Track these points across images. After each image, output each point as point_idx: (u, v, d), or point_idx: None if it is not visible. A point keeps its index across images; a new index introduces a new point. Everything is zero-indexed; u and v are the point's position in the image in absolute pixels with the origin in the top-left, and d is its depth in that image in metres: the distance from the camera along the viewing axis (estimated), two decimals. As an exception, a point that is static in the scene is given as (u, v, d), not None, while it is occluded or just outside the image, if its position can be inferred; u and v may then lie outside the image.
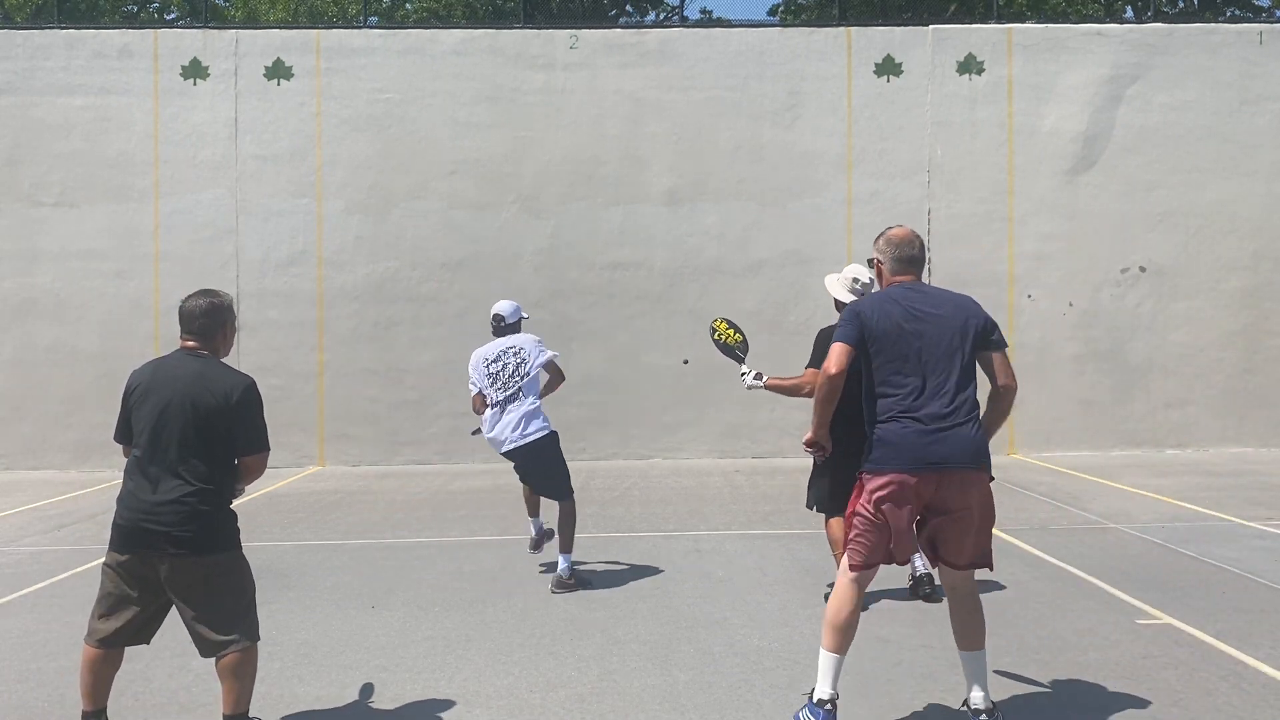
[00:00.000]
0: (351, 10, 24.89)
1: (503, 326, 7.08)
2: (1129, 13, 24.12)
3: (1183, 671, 4.93)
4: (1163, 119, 14.03)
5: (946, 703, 4.57)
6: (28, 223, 13.76)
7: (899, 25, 14.68)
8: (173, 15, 26.34)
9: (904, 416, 4.09)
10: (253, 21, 24.05)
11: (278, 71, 13.91)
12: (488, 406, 6.84)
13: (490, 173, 13.93)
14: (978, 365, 4.20)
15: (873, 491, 4.11)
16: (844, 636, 4.12)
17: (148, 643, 4.21)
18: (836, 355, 4.15)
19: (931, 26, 14.27)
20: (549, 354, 6.91)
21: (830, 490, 5.88)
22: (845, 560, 4.20)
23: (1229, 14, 23.27)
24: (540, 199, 13.95)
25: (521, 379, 6.78)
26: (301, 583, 7.03)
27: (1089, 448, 13.76)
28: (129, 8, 26.25)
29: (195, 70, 13.88)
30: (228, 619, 4.01)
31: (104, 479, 12.70)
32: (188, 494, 3.96)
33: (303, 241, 13.85)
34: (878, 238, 4.43)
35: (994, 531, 8.56)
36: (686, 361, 13.57)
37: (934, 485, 4.07)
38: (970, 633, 4.21)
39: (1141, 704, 4.53)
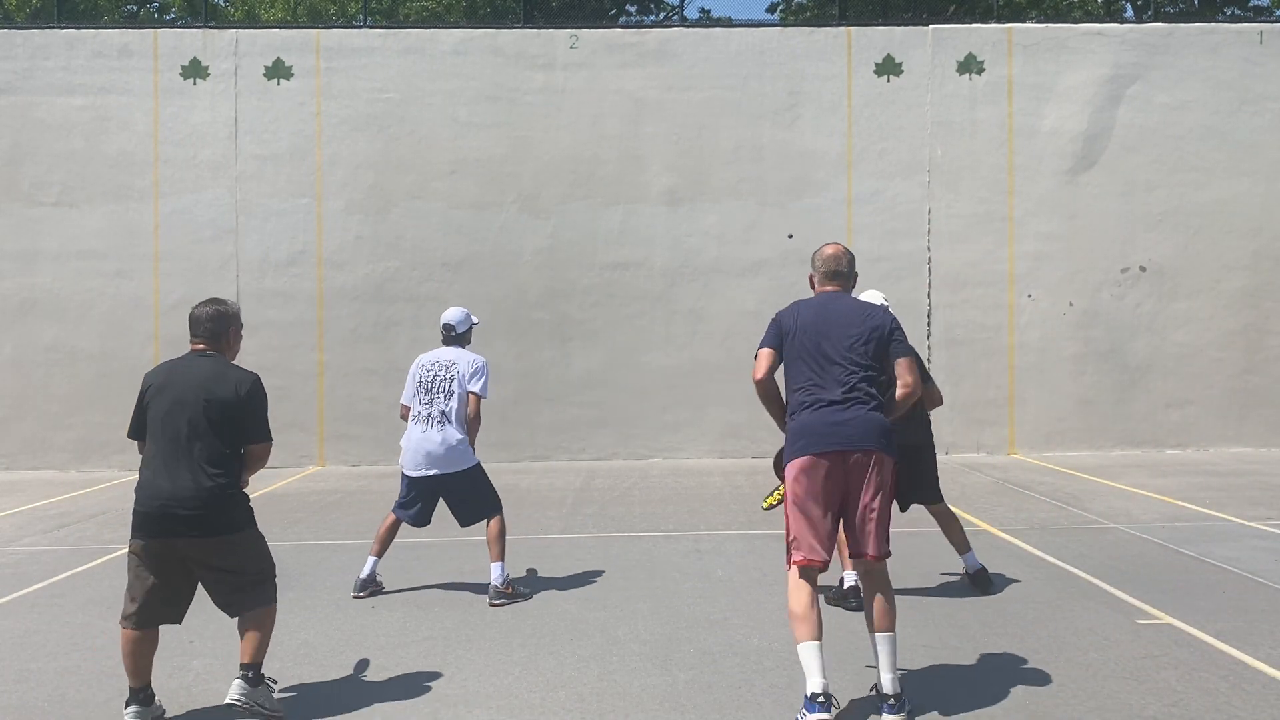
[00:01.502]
0: (351, 10, 24.90)
1: (452, 336, 6.76)
2: (1129, 12, 24.12)
3: (1183, 671, 4.93)
4: (1163, 119, 14.03)
5: (946, 703, 4.57)
6: (28, 223, 13.76)
7: (899, 25, 14.68)
8: (172, 15, 26.34)
9: (809, 407, 4.44)
10: (252, 21, 24.04)
11: (278, 71, 13.91)
12: (410, 418, 6.59)
13: (490, 173, 13.93)
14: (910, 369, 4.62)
15: (792, 480, 4.44)
16: (808, 624, 4.30)
17: (179, 622, 4.57)
18: (760, 361, 4.58)
19: (931, 26, 14.27)
20: (478, 385, 6.53)
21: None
22: (789, 554, 4.47)
23: (1229, 14, 23.28)
24: (540, 199, 13.95)
25: (445, 398, 6.47)
26: (301, 583, 7.03)
27: (1089, 448, 13.77)
28: (129, 8, 26.25)
29: (195, 70, 13.89)
30: (252, 587, 4.46)
31: (104, 479, 12.71)
32: (205, 481, 4.33)
33: (303, 241, 13.85)
34: (814, 254, 4.92)
35: (994, 531, 8.60)
36: (791, 235, 13.46)
37: (842, 467, 4.37)
38: (880, 614, 4.37)
39: (1141, 704, 4.53)
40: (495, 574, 6.47)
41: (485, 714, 4.55)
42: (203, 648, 5.58)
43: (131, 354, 13.66)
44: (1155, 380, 13.94)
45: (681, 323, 13.91)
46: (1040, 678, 4.89)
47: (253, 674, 4.41)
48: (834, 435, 4.35)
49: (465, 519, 6.69)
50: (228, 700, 4.41)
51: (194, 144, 13.86)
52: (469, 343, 6.87)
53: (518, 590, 6.58)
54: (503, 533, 6.62)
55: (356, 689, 4.89)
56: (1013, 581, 6.76)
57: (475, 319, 7.01)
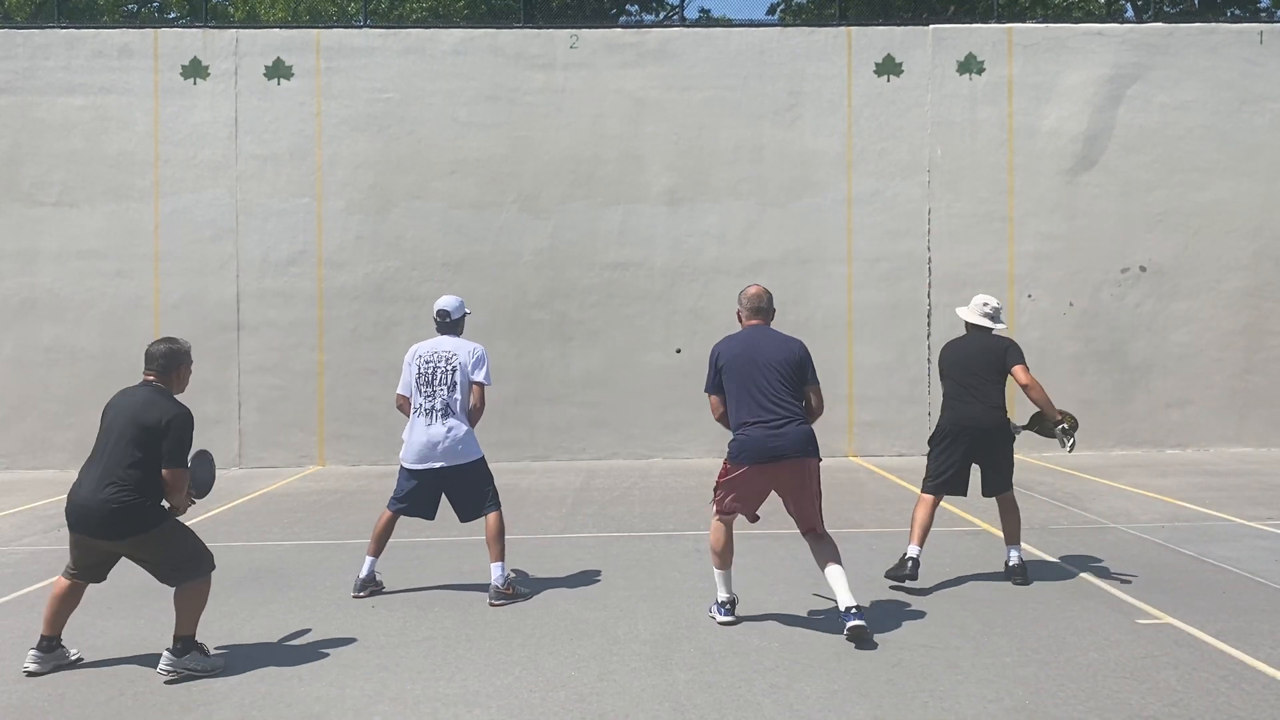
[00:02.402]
0: (351, 10, 24.90)
1: (447, 323, 6.71)
2: (1129, 12, 24.13)
3: (1183, 671, 4.93)
4: (1163, 119, 14.03)
5: (946, 702, 4.57)
6: (28, 223, 13.76)
7: (899, 25, 14.68)
8: (172, 15, 26.34)
9: (753, 425, 5.59)
10: (253, 21, 24.04)
11: (278, 71, 13.91)
12: (412, 411, 6.57)
13: (490, 173, 13.93)
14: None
15: (732, 476, 5.69)
16: (722, 557, 5.88)
17: (102, 581, 5.28)
18: (713, 404, 5.85)
19: (931, 26, 14.27)
20: (481, 374, 6.55)
21: (951, 473, 6.70)
22: (715, 508, 5.85)
23: (1229, 14, 23.28)
24: (540, 199, 13.95)
25: (449, 390, 6.48)
26: (301, 583, 7.03)
27: (1089, 448, 13.76)
28: (129, 7, 26.25)
29: (195, 70, 13.89)
30: (177, 568, 5.06)
31: (104, 479, 12.70)
32: (117, 492, 4.92)
33: (303, 241, 13.85)
34: (740, 294, 6.02)
35: (994, 531, 8.61)
36: (679, 350, 13.56)
37: (773, 471, 5.59)
38: (824, 553, 5.65)
39: (1141, 704, 4.53)
40: (496, 574, 6.45)
41: (485, 714, 4.55)
42: (203, 648, 5.58)
43: (131, 354, 13.65)
44: (1155, 380, 13.95)
45: (681, 323, 13.91)
46: (1040, 678, 4.89)
47: (181, 645, 5.01)
48: (772, 449, 5.54)
49: (467, 514, 6.65)
50: (157, 671, 5.00)
51: (194, 144, 13.86)
52: (462, 331, 6.84)
53: (518, 590, 6.57)
54: (502, 531, 6.60)
55: (357, 689, 4.89)
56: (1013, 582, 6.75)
57: (468, 309, 7.00)
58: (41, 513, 10.25)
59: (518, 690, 4.82)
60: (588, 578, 7.07)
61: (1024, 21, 16.17)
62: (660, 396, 13.83)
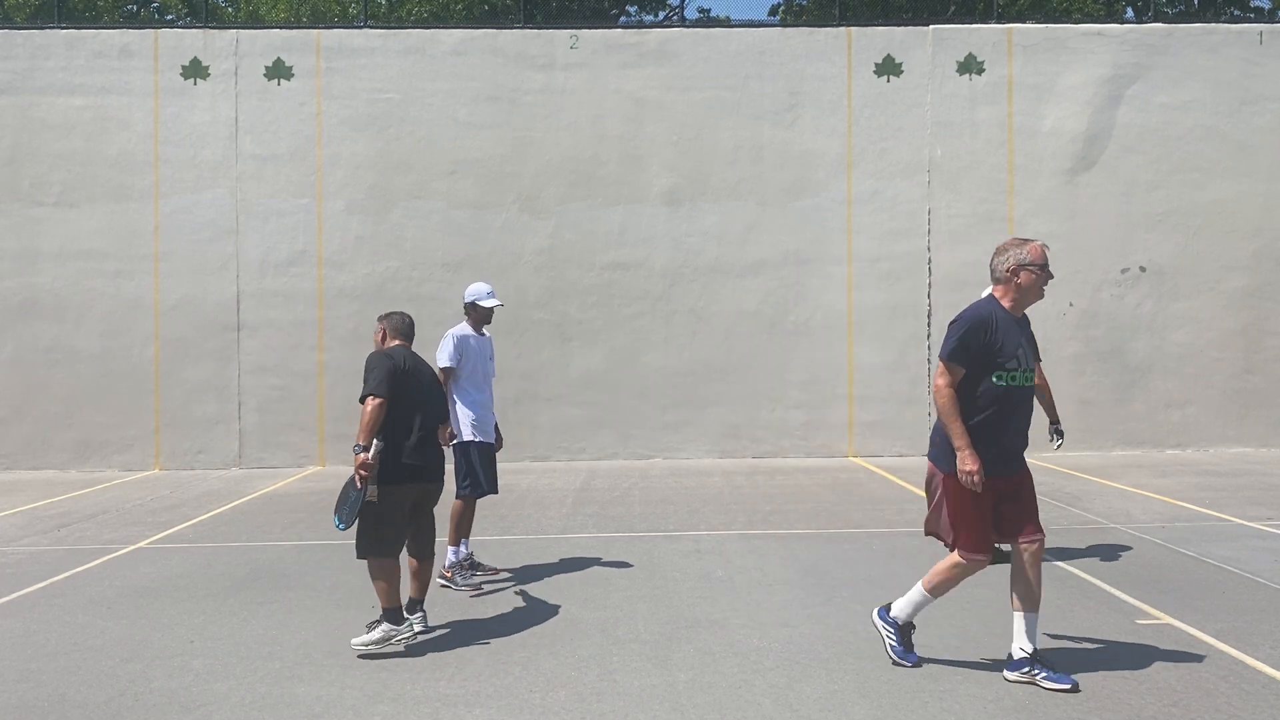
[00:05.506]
0: (352, 10, 24.91)
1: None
2: (1129, 13, 24.13)
3: (1183, 671, 4.93)
4: (1163, 119, 14.03)
5: (946, 702, 4.57)
6: (28, 223, 13.76)
7: (899, 25, 14.68)
8: (171, 16, 26.35)
9: None
10: (253, 21, 24.05)
11: (278, 71, 13.91)
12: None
13: (490, 173, 13.93)
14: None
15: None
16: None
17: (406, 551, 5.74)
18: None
19: (931, 26, 14.27)
20: (439, 358, 7.01)
21: None
22: None
23: (1229, 14, 23.28)
24: (540, 199, 13.95)
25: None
26: (301, 583, 7.03)
27: (1089, 448, 13.76)
28: (129, 8, 26.26)
29: (195, 70, 13.88)
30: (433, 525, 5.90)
31: (104, 479, 12.70)
32: (436, 440, 5.82)
33: (303, 241, 13.85)
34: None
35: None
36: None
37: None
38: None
39: (1141, 704, 4.53)
40: (449, 555, 6.94)
41: (485, 714, 4.55)
42: (203, 648, 5.58)
43: (131, 354, 13.67)
44: (1155, 380, 13.94)
45: (681, 323, 13.91)
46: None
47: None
48: None
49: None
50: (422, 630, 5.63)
51: (194, 144, 13.85)
52: (472, 318, 7.20)
53: (455, 578, 6.89)
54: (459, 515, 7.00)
55: (356, 689, 4.89)
56: (1013, 581, 6.75)
57: (492, 302, 7.21)
58: (41, 513, 10.25)
59: (518, 690, 4.82)
60: (588, 578, 7.07)
61: (1024, 22, 16.17)
62: (660, 396, 13.83)
